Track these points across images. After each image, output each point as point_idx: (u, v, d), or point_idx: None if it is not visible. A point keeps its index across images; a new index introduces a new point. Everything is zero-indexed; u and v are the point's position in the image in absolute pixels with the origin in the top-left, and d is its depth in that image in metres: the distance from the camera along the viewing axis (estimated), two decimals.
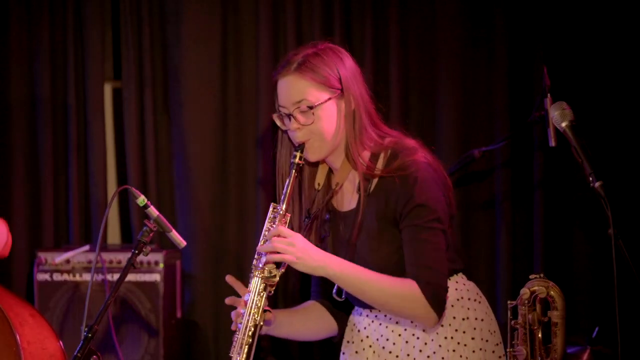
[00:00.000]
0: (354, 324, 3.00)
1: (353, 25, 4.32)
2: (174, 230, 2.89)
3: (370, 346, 2.94)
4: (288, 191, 2.85)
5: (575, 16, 4.18)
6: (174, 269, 4.21)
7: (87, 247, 4.16)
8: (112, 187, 4.52)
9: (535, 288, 2.74)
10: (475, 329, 2.90)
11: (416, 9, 4.31)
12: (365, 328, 2.96)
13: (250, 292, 2.80)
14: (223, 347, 4.41)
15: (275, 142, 3.00)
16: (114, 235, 4.62)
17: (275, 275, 2.79)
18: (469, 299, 2.93)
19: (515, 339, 2.77)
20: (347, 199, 2.94)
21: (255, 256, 2.82)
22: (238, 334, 2.80)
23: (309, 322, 3.05)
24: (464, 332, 2.88)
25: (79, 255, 4.14)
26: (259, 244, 2.81)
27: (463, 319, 2.89)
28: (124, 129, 4.46)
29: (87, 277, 4.10)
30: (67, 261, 4.13)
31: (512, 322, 2.77)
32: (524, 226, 4.25)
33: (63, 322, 4.09)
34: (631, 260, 2.64)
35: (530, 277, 2.79)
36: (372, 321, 2.94)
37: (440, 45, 4.29)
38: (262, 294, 2.80)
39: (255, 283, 2.81)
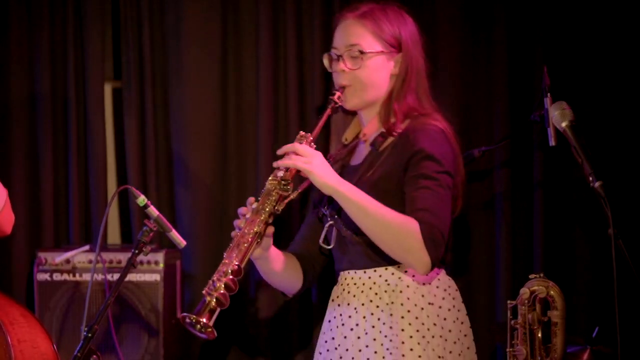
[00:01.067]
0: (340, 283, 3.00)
1: None
2: (174, 230, 2.89)
3: (333, 338, 2.94)
4: (319, 124, 2.89)
5: (575, 16, 4.18)
6: (174, 269, 4.21)
7: (87, 247, 4.16)
8: (112, 187, 4.52)
9: (535, 288, 2.75)
10: (438, 316, 2.87)
11: (416, 9, 4.28)
12: (335, 317, 2.96)
13: (260, 202, 2.81)
14: (223, 347, 4.41)
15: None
16: (114, 235, 4.62)
17: (289, 189, 2.80)
18: (437, 287, 2.90)
19: (515, 339, 2.77)
20: (359, 153, 2.96)
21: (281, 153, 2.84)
22: (235, 237, 2.79)
23: (283, 266, 3.02)
24: (427, 315, 2.85)
25: (79, 255, 4.14)
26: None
27: (429, 304, 2.86)
28: (124, 129, 4.46)
29: (87, 277, 4.10)
30: (67, 261, 4.13)
31: (512, 322, 2.77)
32: (524, 226, 4.24)
33: (63, 322, 4.09)
34: (631, 260, 2.64)
35: (530, 277, 2.79)
36: (344, 289, 2.94)
37: (440, 45, 4.29)
38: (272, 204, 2.80)
39: (267, 192, 2.81)
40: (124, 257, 4.08)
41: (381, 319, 2.84)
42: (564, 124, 2.80)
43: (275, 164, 2.83)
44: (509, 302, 2.80)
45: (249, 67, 4.40)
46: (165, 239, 3.95)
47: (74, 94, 4.42)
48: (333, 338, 2.95)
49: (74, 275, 4.12)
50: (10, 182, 4.40)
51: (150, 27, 4.42)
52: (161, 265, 4.09)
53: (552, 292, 2.74)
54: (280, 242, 3.35)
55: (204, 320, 2.70)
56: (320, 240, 2.94)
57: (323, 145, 3.12)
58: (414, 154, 2.81)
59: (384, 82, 2.91)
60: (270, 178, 2.85)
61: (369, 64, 2.88)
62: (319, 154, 2.81)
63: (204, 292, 2.74)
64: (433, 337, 2.83)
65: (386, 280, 2.86)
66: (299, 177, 2.88)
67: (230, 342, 4.36)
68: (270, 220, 2.82)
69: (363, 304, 2.87)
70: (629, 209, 4.02)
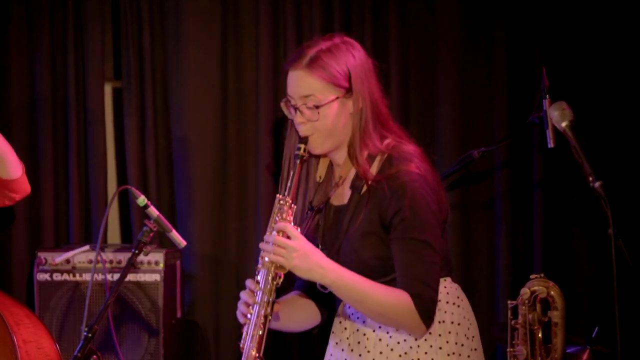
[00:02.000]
0: (338, 315, 3.01)
1: (353, 25, 4.32)
2: (174, 230, 2.89)
3: (347, 338, 2.95)
4: (293, 183, 2.87)
5: (574, 17, 4.18)
6: (174, 269, 4.21)
7: (87, 247, 4.16)
8: (112, 187, 4.52)
9: (536, 288, 2.75)
10: (450, 332, 2.89)
11: (416, 10, 4.31)
12: (341, 322, 2.97)
13: (260, 283, 2.80)
14: (223, 347, 4.42)
15: (286, 127, 3.00)
16: (114, 235, 4.62)
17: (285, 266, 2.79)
18: (447, 302, 2.91)
19: (516, 339, 2.77)
20: (341, 193, 2.95)
21: (263, 248, 2.82)
22: (248, 326, 2.80)
23: (295, 313, 3.04)
24: (439, 335, 2.87)
25: (79, 255, 4.13)
26: (267, 234, 2.82)
27: (439, 322, 2.88)
28: (124, 129, 4.46)
29: (87, 277, 4.10)
30: (67, 261, 4.12)
31: (512, 322, 2.77)
32: (524, 226, 4.25)
33: (63, 322, 4.09)
34: (631, 260, 2.64)
35: (530, 277, 2.79)
36: (352, 314, 2.95)
37: (440, 46, 4.29)
38: (272, 284, 2.80)
39: (264, 274, 2.81)
40: (124, 257, 4.08)
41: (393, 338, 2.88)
42: (563, 124, 2.80)
43: (262, 256, 2.82)
44: (509, 302, 2.80)
45: (249, 67, 4.41)
46: (165, 239, 3.95)
47: (74, 94, 4.42)
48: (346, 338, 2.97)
49: (74, 275, 4.12)
50: None
51: (150, 27, 4.42)
52: (161, 265, 4.09)
53: (552, 292, 2.74)
54: None
55: None
56: (318, 286, 2.93)
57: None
58: (395, 213, 2.80)
59: (346, 124, 2.88)
60: (260, 258, 2.83)
61: (326, 113, 2.85)
62: (300, 239, 2.78)
63: None
64: (449, 355, 2.86)
65: (387, 332, 2.90)
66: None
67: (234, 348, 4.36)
68: (274, 297, 2.83)
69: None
70: (629, 209, 4.02)
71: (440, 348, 2.86)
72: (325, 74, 2.84)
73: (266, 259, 2.80)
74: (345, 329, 2.96)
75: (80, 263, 4.13)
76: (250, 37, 4.40)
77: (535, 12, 4.21)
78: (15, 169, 3.48)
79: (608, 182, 2.68)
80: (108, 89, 4.59)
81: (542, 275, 2.78)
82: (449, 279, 2.95)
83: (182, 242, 2.91)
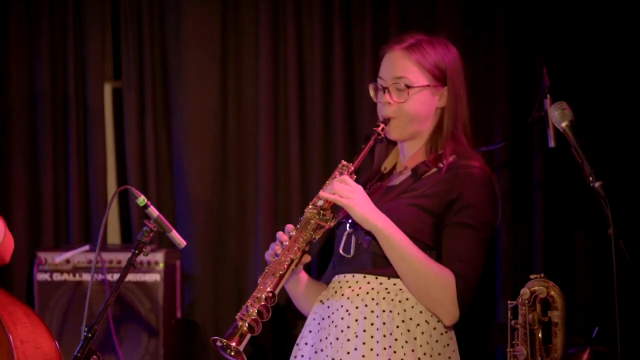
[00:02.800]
0: (315, 315, 2.97)
1: (353, 25, 4.32)
2: (174, 230, 2.89)
3: (326, 337, 2.89)
4: (360, 155, 2.89)
5: (575, 16, 4.18)
6: (174, 269, 4.21)
7: (87, 247, 4.16)
8: (112, 187, 4.52)
9: (535, 288, 2.75)
10: (431, 336, 2.84)
11: (416, 10, 4.31)
12: (324, 318, 2.92)
13: (299, 229, 2.82)
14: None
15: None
16: (114, 235, 4.62)
17: (328, 219, 2.81)
18: None
19: (516, 339, 2.77)
20: (397, 177, 2.95)
21: (314, 200, 2.84)
22: (272, 263, 2.81)
23: (312, 292, 3.01)
24: (422, 332, 2.83)
25: (79, 255, 4.14)
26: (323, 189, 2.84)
27: (426, 321, 2.84)
28: (124, 129, 4.46)
29: (87, 277, 4.10)
30: (67, 261, 4.13)
31: (512, 322, 2.77)
32: (524, 226, 4.24)
33: (63, 322, 4.09)
34: (631, 260, 2.64)
35: (530, 277, 2.79)
36: (333, 312, 2.90)
37: None
38: (309, 233, 2.82)
39: (306, 220, 2.82)
40: (124, 257, 4.08)
41: (374, 324, 2.83)
42: (564, 124, 2.80)
43: (319, 195, 2.83)
44: (509, 302, 2.80)
45: (249, 67, 4.41)
46: (165, 239, 3.96)
47: (74, 94, 4.42)
48: (319, 331, 2.92)
49: (74, 275, 4.12)
50: (10, 182, 4.40)
51: (150, 27, 4.43)
52: (161, 265, 4.09)
53: (552, 293, 2.74)
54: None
55: (234, 344, 2.73)
56: (340, 249, 2.93)
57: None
58: (458, 199, 2.81)
59: (429, 115, 2.92)
60: (309, 206, 2.85)
61: (415, 98, 2.88)
62: (359, 188, 2.81)
63: (237, 316, 2.77)
64: (425, 354, 2.82)
65: (386, 289, 2.85)
66: (336, 205, 2.88)
67: None
68: (307, 249, 2.84)
69: (357, 307, 2.86)
70: (629, 209, 4.02)
71: (421, 346, 2.81)
72: (422, 59, 2.88)
73: (317, 203, 2.80)
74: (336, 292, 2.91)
75: (80, 263, 4.13)
76: (250, 37, 4.40)
77: (535, 12, 4.21)
78: None
79: (608, 182, 2.68)
80: (108, 89, 4.59)
81: (542, 275, 2.78)
82: None
83: (182, 242, 2.91)
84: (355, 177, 2.89)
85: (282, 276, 2.79)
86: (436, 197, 2.83)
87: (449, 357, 2.88)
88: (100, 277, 4.04)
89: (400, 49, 2.90)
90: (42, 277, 4.13)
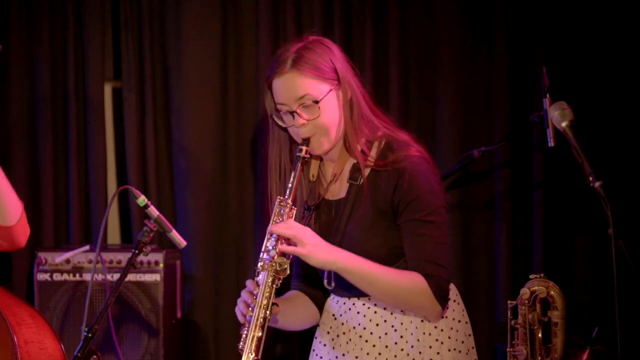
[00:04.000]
0: (331, 312, 3.00)
1: (353, 25, 4.32)
2: (174, 230, 2.89)
3: (344, 333, 2.93)
4: (294, 185, 2.86)
5: (574, 16, 4.18)
6: (174, 269, 4.21)
7: (87, 247, 4.16)
8: (112, 187, 4.52)
9: (535, 288, 2.75)
10: (452, 328, 2.90)
11: (416, 9, 4.31)
12: (341, 315, 2.96)
13: (259, 285, 2.80)
14: (223, 347, 4.41)
15: (267, 140, 2.98)
16: (114, 235, 4.62)
17: (285, 268, 2.80)
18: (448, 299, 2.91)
19: (515, 339, 2.77)
20: (337, 188, 2.95)
21: (263, 248, 2.82)
22: (247, 328, 2.80)
23: (295, 311, 3.04)
24: (441, 330, 2.87)
25: (79, 255, 4.14)
26: (265, 239, 2.81)
27: (443, 317, 2.88)
28: (124, 129, 4.46)
29: (87, 277, 4.10)
30: (67, 261, 4.13)
31: (512, 322, 2.77)
32: (524, 226, 4.24)
33: (63, 322, 4.09)
34: (631, 260, 2.64)
35: (530, 277, 2.79)
36: (350, 309, 2.94)
37: (441, 46, 4.29)
38: (271, 287, 2.80)
39: (264, 276, 2.81)
40: (124, 257, 4.08)
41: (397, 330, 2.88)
42: (564, 124, 2.80)
43: (271, 229, 2.81)
44: (509, 302, 2.80)
45: (249, 67, 4.41)
46: (165, 239, 3.96)
47: (74, 94, 4.42)
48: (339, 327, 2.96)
49: (74, 275, 4.12)
50: (11, 182, 4.39)
51: (150, 27, 4.42)
52: (161, 265, 4.09)
53: (552, 292, 2.74)
54: None
55: None
56: (325, 283, 2.93)
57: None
58: (402, 197, 2.80)
59: (340, 117, 2.89)
60: (263, 256, 2.83)
61: (324, 108, 2.84)
62: (307, 231, 2.79)
63: None
64: (450, 350, 2.88)
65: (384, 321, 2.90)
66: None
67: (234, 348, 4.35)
68: (272, 301, 2.83)
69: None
70: (629, 209, 4.02)
71: (442, 343, 2.87)
72: (314, 70, 2.83)
73: (266, 260, 2.80)
74: (343, 324, 2.95)
75: (80, 263, 4.13)
76: (250, 37, 4.40)
77: (535, 11, 4.21)
78: (13, 213, 3.09)
79: (608, 182, 2.68)
80: (108, 89, 4.59)
81: (542, 275, 2.78)
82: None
83: (182, 242, 2.91)
84: (295, 209, 2.87)
85: (260, 339, 2.79)
86: (383, 202, 2.83)
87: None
88: (100, 277, 4.04)
89: (287, 70, 2.83)
90: (42, 277, 4.13)
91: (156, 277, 4.09)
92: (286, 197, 2.85)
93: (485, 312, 4.20)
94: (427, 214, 2.80)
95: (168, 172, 4.46)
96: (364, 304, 2.91)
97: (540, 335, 2.77)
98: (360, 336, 2.90)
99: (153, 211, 2.87)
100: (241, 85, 4.43)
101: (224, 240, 4.44)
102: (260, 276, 2.82)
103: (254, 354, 2.77)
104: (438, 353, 2.86)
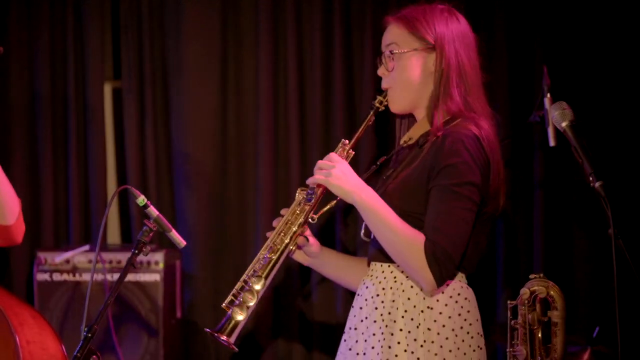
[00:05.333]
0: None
1: (353, 25, 4.32)
2: (173, 230, 2.89)
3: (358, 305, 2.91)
4: (359, 132, 2.90)
5: (574, 16, 4.18)
6: (174, 269, 4.21)
7: (87, 247, 4.16)
8: (112, 187, 4.52)
9: (535, 288, 2.75)
10: (435, 321, 2.80)
11: None
12: (363, 286, 2.93)
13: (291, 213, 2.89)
14: (223, 347, 4.39)
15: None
16: (114, 235, 4.62)
17: (312, 198, 2.84)
18: (442, 292, 2.84)
19: (515, 339, 2.77)
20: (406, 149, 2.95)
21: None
22: (266, 248, 2.87)
23: (351, 270, 3.04)
24: (424, 319, 2.80)
25: (79, 255, 4.14)
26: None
27: (429, 307, 2.81)
28: (124, 129, 4.46)
29: (87, 277, 4.10)
30: (67, 261, 4.13)
31: (512, 322, 2.77)
32: (524, 226, 4.24)
33: (63, 322, 4.09)
34: (631, 260, 2.64)
35: (530, 277, 2.79)
36: (373, 283, 2.89)
37: None
38: (298, 215, 2.86)
39: (295, 203, 2.87)
40: (124, 257, 4.08)
41: (382, 315, 2.83)
42: (564, 124, 2.80)
43: (309, 179, 2.86)
44: (509, 302, 2.80)
45: (249, 67, 4.41)
46: (165, 239, 3.95)
47: (74, 94, 4.43)
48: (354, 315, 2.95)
49: (74, 275, 4.12)
50: (11, 182, 4.39)
51: (150, 27, 4.43)
52: (161, 265, 4.09)
53: (552, 292, 2.74)
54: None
55: (224, 337, 2.84)
56: (362, 233, 2.94)
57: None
58: (437, 162, 2.77)
59: (425, 81, 2.87)
60: (300, 188, 2.90)
61: (403, 64, 2.87)
62: (341, 163, 2.80)
63: (223, 305, 2.81)
64: (425, 341, 2.79)
65: (394, 277, 2.84)
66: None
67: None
68: (301, 231, 2.86)
69: (372, 297, 2.86)
70: (629, 209, 4.02)
71: (423, 333, 2.78)
72: (408, 25, 2.87)
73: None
74: (359, 295, 2.93)
75: (80, 263, 4.13)
76: (250, 37, 4.40)
77: (535, 12, 4.21)
78: (12, 212, 3.07)
79: (608, 182, 2.68)
80: (108, 89, 4.59)
81: (542, 275, 2.78)
82: (456, 280, 2.88)
83: (182, 242, 2.91)
84: (352, 153, 2.90)
85: (273, 261, 2.84)
86: (419, 172, 2.80)
87: (463, 341, 2.84)
88: (100, 277, 4.04)
89: (392, 18, 2.92)
90: (42, 277, 4.13)
91: (156, 277, 4.09)
92: (350, 140, 2.89)
93: (485, 312, 4.18)
94: (455, 184, 2.73)
95: (168, 172, 4.46)
96: (379, 282, 2.88)
97: (540, 335, 2.76)
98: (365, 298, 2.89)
99: (152, 211, 2.86)
100: (241, 84, 4.43)
101: (224, 240, 4.44)
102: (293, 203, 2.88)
103: (262, 271, 2.83)
104: (408, 344, 2.78)
